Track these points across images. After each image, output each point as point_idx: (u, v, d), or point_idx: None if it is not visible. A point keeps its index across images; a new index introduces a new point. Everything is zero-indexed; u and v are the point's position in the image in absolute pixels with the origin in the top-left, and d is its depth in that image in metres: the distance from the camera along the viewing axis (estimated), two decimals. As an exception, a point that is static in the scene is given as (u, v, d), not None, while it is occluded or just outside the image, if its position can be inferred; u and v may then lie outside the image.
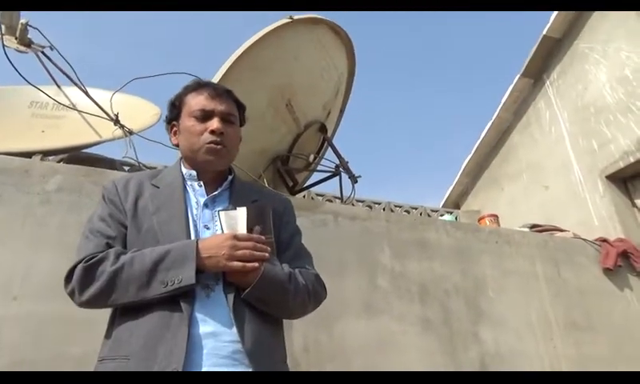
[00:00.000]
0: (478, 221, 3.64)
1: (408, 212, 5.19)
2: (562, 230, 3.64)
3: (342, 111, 3.91)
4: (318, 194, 4.69)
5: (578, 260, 3.29)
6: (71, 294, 1.15)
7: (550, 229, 3.62)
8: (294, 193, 3.48)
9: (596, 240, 3.50)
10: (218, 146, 1.30)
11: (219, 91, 1.38)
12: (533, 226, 3.61)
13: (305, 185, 3.80)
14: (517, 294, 2.94)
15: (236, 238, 1.14)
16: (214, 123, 1.31)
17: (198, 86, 1.39)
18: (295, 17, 2.96)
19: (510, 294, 2.92)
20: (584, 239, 3.48)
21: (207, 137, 1.30)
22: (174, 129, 1.40)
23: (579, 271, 3.24)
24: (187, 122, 1.34)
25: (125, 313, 1.12)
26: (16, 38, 2.77)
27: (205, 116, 1.32)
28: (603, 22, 4.49)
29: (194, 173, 1.32)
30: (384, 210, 4.88)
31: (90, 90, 2.99)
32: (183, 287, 1.08)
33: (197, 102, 1.34)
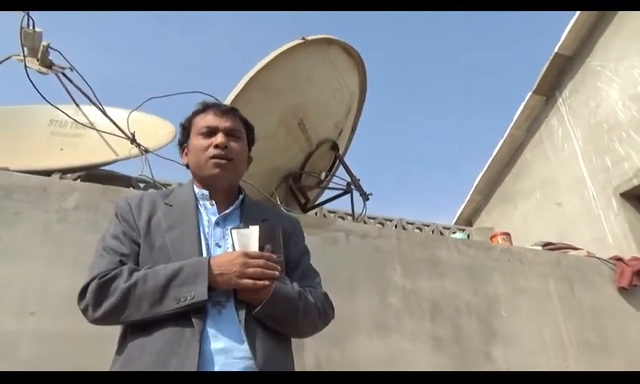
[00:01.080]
0: (490, 239, 3.62)
1: (420, 229, 5.17)
2: (575, 248, 3.61)
3: (353, 130, 3.95)
4: (330, 211, 4.71)
5: (592, 279, 3.25)
6: (84, 311, 1.17)
7: (564, 247, 3.59)
8: (305, 210, 3.51)
9: (610, 258, 3.45)
10: (223, 160, 1.35)
11: (224, 110, 1.44)
12: (546, 244, 3.58)
13: (317, 202, 3.83)
14: (529, 313, 2.91)
15: (247, 255, 1.17)
16: (218, 138, 1.36)
17: (206, 107, 1.45)
18: (308, 38, 3.02)
19: (523, 313, 2.90)
20: (598, 258, 3.43)
21: (211, 151, 1.35)
22: (185, 150, 1.46)
23: (593, 290, 3.20)
24: (195, 140, 1.39)
25: (136, 329, 1.14)
26: (38, 60, 2.86)
27: (210, 132, 1.37)
28: (615, 40, 4.49)
29: (205, 192, 1.36)
30: (395, 227, 4.88)
31: (107, 109, 3.07)
32: (196, 303, 1.10)
33: (203, 121, 1.40)
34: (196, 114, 1.45)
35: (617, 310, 3.16)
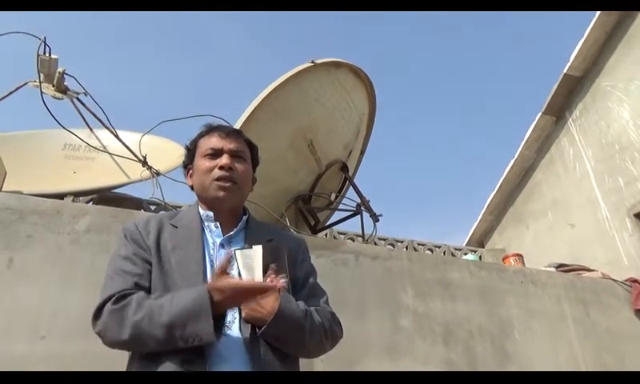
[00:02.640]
0: (503, 260, 3.59)
1: (431, 250, 5.14)
2: (589, 270, 3.55)
3: (362, 151, 3.96)
4: (340, 233, 4.70)
5: (607, 301, 3.19)
6: (99, 335, 1.16)
7: (578, 269, 3.54)
8: (315, 231, 3.50)
9: (626, 280, 3.39)
10: (227, 182, 1.35)
11: (229, 132, 1.45)
12: (559, 266, 3.53)
13: (327, 223, 3.82)
14: (544, 336, 2.86)
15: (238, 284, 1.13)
16: (223, 159, 1.36)
17: (210, 129, 1.46)
18: (317, 61, 3.05)
19: (537, 335, 2.84)
20: (613, 279, 3.38)
21: (216, 172, 1.35)
22: (190, 172, 1.46)
23: (609, 313, 3.13)
24: (199, 162, 1.40)
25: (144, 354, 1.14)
26: (53, 86, 2.93)
27: (215, 154, 1.38)
28: (624, 61, 4.48)
29: (210, 214, 1.36)
30: (406, 248, 4.85)
31: (119, 133, 3.12)
32: (204, 344, 1.08)
33: (208, 142, 1.41)
34: (200, 136, 1.46)
35: (634, 333, 3.10)
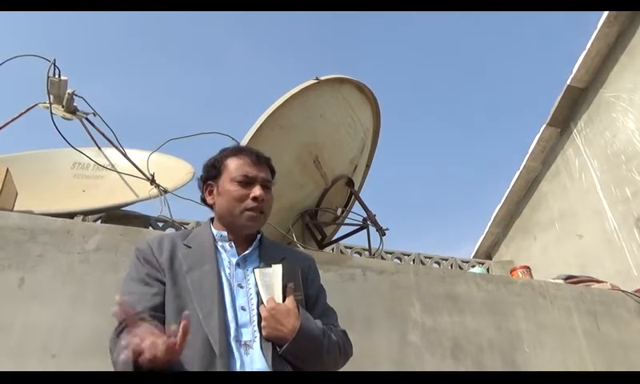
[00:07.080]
0: (510, 272, 3.57)
1: (438, 264, 5.12)
2: (598, 281, 3.52)
3: (368, 165, 3.98)
4: (346, 247, 4.70)
5: (617, 313, 3.16)
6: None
7: (586, 280, 3.51)
8: (322, 246, 3.51)
9: (636, 291, 3.36)
10: (259, 214, 1.36)
11: (260, 159, 1.43)
12: (568, 278, 3.50)
13: (333, 238, 3.83)
14: (554, 349, 2.83)
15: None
16: (257, 190, 1.35)
17: (239, 150, 1.45)
18: (321, 78, 3.09)
19: (547, 348, 2.82)
20: (623, 291, 3.35)
21: (249, 203, 1.34)
22: (210, 188, 1.44)
23: (620, 325, 3.10)
24: (229, 185, 1.37)
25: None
26: (63, 107, 2.99)
27: (247, 182, 1.36)
28: (627, 71, 4.49)
29: (224, 234, 1.37)
30: (413, 261, 4.84)
31: (127, 151, 3.16)
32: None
33: (238, 166, 1.39)
34: (229, 155, 1.43)
35: (645, 345, 3.06)
